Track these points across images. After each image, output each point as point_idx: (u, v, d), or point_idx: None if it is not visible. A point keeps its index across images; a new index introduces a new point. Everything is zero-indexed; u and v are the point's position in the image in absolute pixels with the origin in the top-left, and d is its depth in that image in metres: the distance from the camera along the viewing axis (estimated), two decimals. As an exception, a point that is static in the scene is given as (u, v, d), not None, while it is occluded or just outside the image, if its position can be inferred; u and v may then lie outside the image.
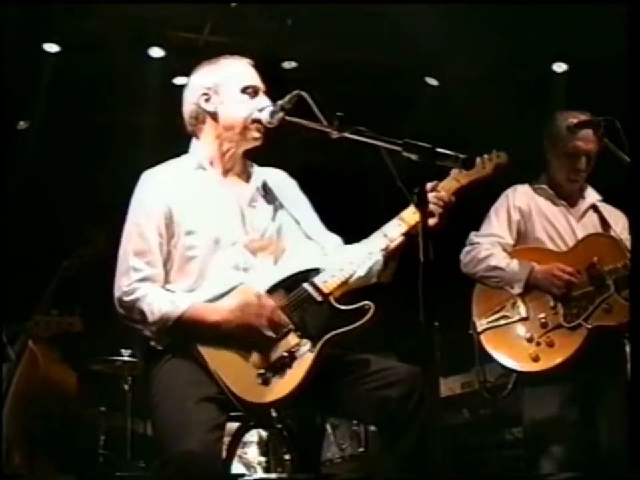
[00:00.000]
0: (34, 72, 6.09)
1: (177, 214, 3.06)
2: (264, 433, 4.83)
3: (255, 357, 2.92)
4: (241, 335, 2.90)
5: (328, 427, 5.52)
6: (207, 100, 3.19)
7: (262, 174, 3.28)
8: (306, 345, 2.92)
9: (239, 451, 4.75)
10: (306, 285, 3.00)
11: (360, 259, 3.02)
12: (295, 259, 3.14)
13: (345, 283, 3.02)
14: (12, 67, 5.45)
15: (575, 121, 4.07)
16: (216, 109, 3.18)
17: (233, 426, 3.39)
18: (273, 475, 4.80)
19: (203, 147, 3.22)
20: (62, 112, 6.35)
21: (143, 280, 2.98)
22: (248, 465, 4.87)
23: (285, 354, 2.91)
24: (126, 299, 2.96)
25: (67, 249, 4.98)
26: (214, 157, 3.20)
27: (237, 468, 4.73)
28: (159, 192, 3.10)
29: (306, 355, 2.91)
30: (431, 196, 2.94)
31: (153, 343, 2.99)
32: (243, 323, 2.90)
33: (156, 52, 6.22)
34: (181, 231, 3.05)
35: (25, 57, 5.91)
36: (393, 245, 3.02)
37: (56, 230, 6.03)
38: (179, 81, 6.35)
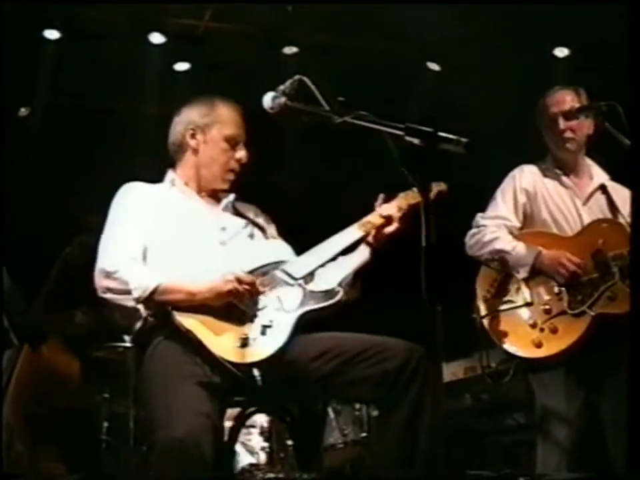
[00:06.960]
0: (34, 58, 6.08)
1: (153, 221, 3.29)
2: (266, 418, 4.83)
3: (233, 324, 3.04)
4: (219, 303, 3.03)
5: (330, 412, 5.52)
6: (192, 136, 3.44)
7: (234, 199, 3.51)
8: (284, 317, 3.08)
9: (242, 437, 4.75)
10: (278, 272, 3.20)
11: (330, 249, 3.28)
12: (267, 251, 3.32)
13: (313, 271, 3.24)
14: (12, 54, 5.45)
15: (577, 105, 4.08)
16: (198, 146, 3.43)
17: (235, 411, 3.40)
18: (277, 466, 4.79)
19: (179, 171, 3.47)
20: (62, 99, 6.35)
21: (128, 257, 3.15)
22: (251, 451, 4.87)
23: (266, 322, 3.04)
24: (110, 269, 3.11)
25: (68, 236, 4.97)
26: (190, 179, 3.44)
27: (240, 454, 4.73)
28: (138, 201, 3.35)
29: (284, 325, 3.06)
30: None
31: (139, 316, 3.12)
32: (221, 290, 3.04)
33: (156, 38, 6.21)
34: (156, 232, 3.26)
35: (26, 43, 5.90)
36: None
37: (56, 217, 6.02)
38: (179, 67, 6.37)
